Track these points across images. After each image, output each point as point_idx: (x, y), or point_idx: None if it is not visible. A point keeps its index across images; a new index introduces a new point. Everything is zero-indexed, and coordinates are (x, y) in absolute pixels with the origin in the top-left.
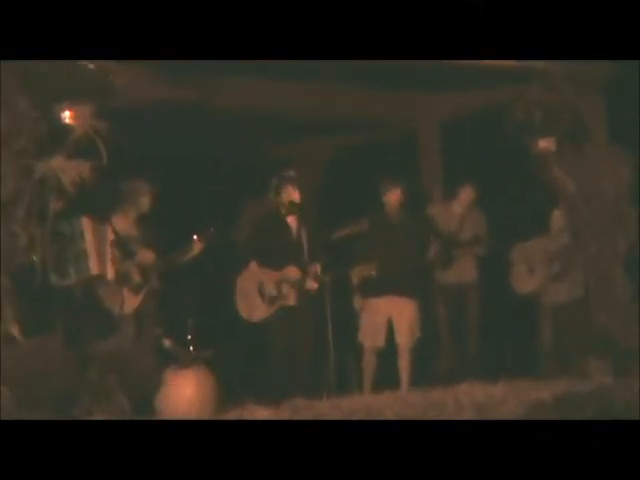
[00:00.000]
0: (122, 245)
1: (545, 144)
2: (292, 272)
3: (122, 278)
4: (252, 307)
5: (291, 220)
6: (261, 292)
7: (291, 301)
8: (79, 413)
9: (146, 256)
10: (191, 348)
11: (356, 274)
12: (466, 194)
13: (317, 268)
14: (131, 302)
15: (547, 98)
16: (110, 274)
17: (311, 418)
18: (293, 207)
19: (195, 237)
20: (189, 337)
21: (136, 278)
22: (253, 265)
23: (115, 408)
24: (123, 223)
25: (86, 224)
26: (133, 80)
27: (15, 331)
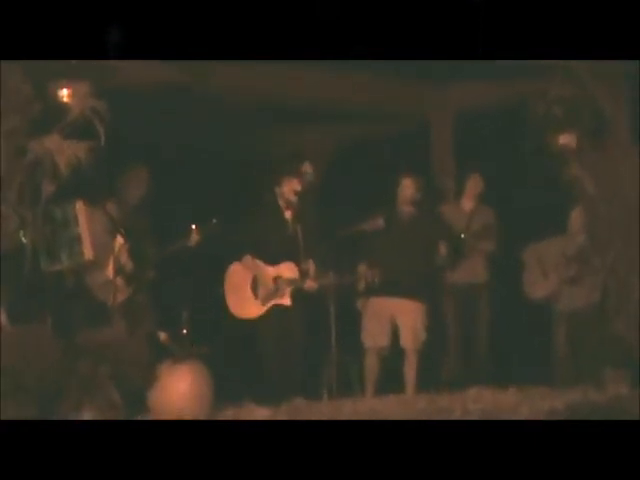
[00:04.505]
0: (117, 232)
1: (565, 140)
2: (289, 269)
3: (116, 267)
4: (243, 303)
5: (291, 214)
6: (254, 288)
7: (287, 300)
8: (67, 405)
9: (141, 245)
10: (187, 343)
11: (360, 276)
12: (474, 184)
13: (316, 266)
14: (124, 292)
15: (568, 92)
16: (103, 262)
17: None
18: (294, 200)
19: (193, 227)
20: (184, 331)
21: (130, 267)
22: (247, 259)
23: (105, 402)
24: (119, 209)
25: (80, 208)
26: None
27: (2, 317)
